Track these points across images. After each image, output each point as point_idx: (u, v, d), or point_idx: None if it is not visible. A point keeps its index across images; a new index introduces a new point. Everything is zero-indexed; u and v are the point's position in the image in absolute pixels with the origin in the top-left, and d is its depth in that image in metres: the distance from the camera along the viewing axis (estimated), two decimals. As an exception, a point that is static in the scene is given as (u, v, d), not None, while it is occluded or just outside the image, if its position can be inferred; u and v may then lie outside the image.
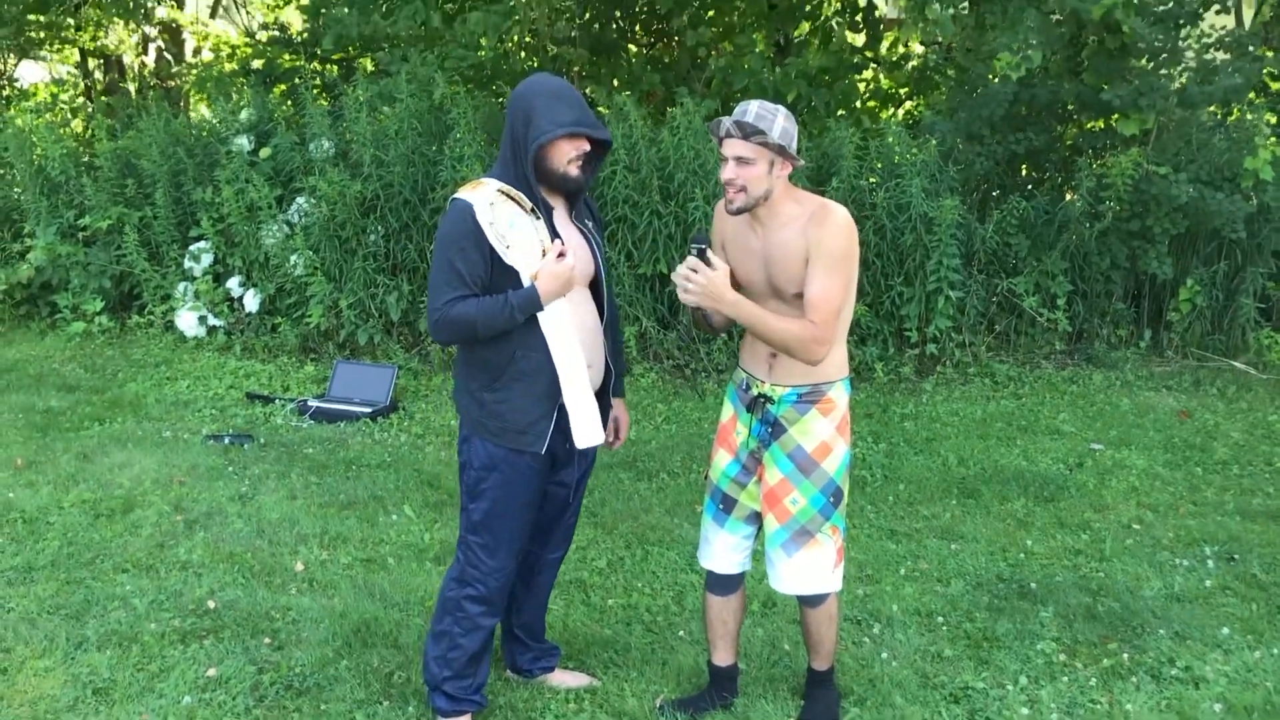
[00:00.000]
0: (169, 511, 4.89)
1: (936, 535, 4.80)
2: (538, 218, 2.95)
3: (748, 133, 2.88)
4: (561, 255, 2.94)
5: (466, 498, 3.13)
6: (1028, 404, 6.52)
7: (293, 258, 7.03)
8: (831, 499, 3.14)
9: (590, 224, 3.17)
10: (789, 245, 2.97)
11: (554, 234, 2.98)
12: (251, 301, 7.26)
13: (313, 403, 6.28)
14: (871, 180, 7.04)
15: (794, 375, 3.07)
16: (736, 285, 3.03)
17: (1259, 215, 7.09)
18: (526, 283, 2.93)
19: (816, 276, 2.93)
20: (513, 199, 2.93)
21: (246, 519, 4.84)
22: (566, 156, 2.95)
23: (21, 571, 4.31)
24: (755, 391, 3.13)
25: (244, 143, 7.60)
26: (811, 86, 8.46)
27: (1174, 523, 4.94)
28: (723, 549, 3.29)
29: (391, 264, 7.09)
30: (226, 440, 5.78)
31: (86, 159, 8.25)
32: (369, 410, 6.19)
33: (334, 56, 9.14)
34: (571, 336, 2.99)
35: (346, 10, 8.84)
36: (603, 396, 3.22)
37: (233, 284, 7.35)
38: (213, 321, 7.34)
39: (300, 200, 7.21)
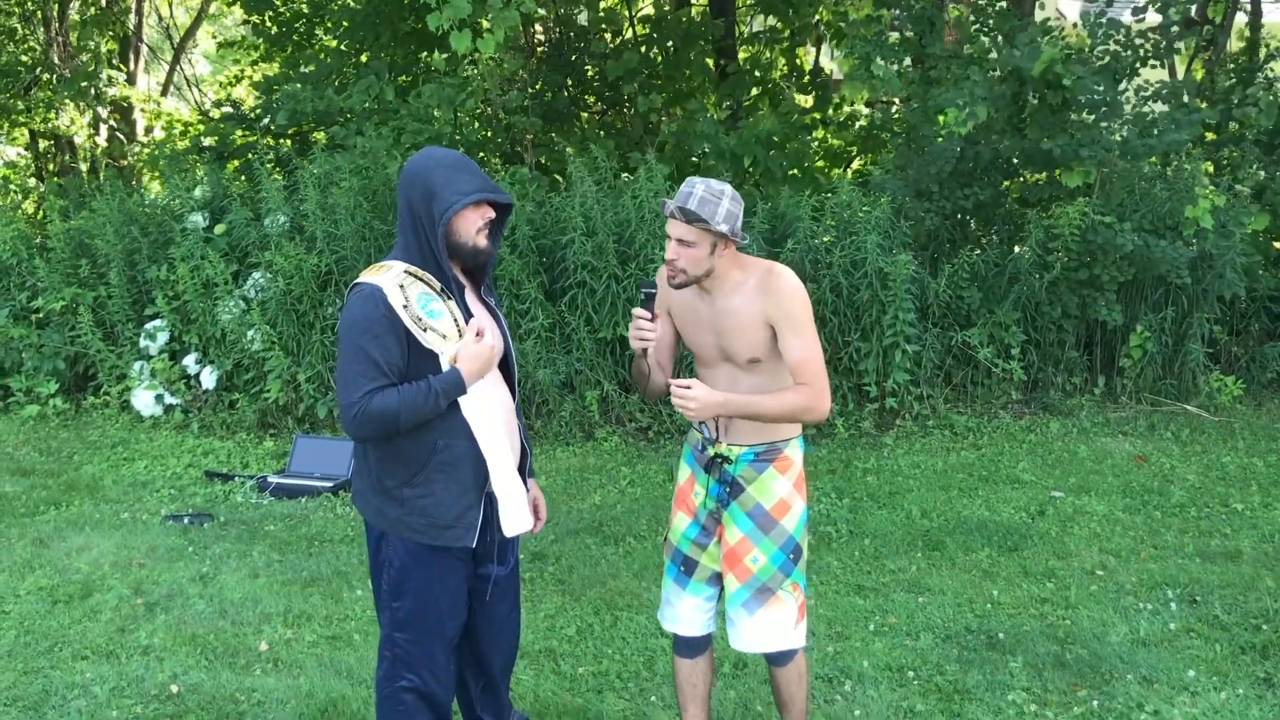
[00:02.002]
0: (129, 595, 4.80)
1: (904, 589, 4.81)
2: (449, 298, 2.83)
3: (690, 218, 2.90)
4: (480, 334, 2.84)
5: (388, 596, 2.95)
6: (987, 454, 6.59)
7: (250, 333, 7.00)
8: (791, 556, 3.15)
9: (492, 300, 3.06)
10: (739, 312, 3.01)
11: (467, 314, 2.87)
12: (208, 378, 7.21)
13: (273, 479, 6.22)
14: (826, 239, 7.14)
15: (750, 434, 3.10)
16: (691, 352, 3.18)
17: (1201, 262, 7.25)
18: (445, 366, 2.79)
19: (792, 343, 2.98)
20: (421, 280, 2.81)
21: (208, 599, 4.77)
22: (474, 226, 2.85)
23: (-24, 663, 4.21)
24: (712, 452, 3.13)
25: (198, 219, 7.61)
26: (765, 149, 8.61)
27: (1136, 567, 4.99)
28: (687, 611, 3.26)
29: (350, 336, 7.07)
30: (186, 520, 5.70)
31: (39, 240, 8.20)
32: (330, 484, 6.14)
33: (288, 131, 9.18)
34: (496, 419, 2.89)
35: (300, 86, 8.92)
36: (521, 478, 3.05)
37: (189, 361, 7.30)
38: (169, 400, 7.27)
39: (256, 275, 7.20)
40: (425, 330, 2.76)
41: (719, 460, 3.12)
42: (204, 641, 4.38)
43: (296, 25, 10.61)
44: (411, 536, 2.88)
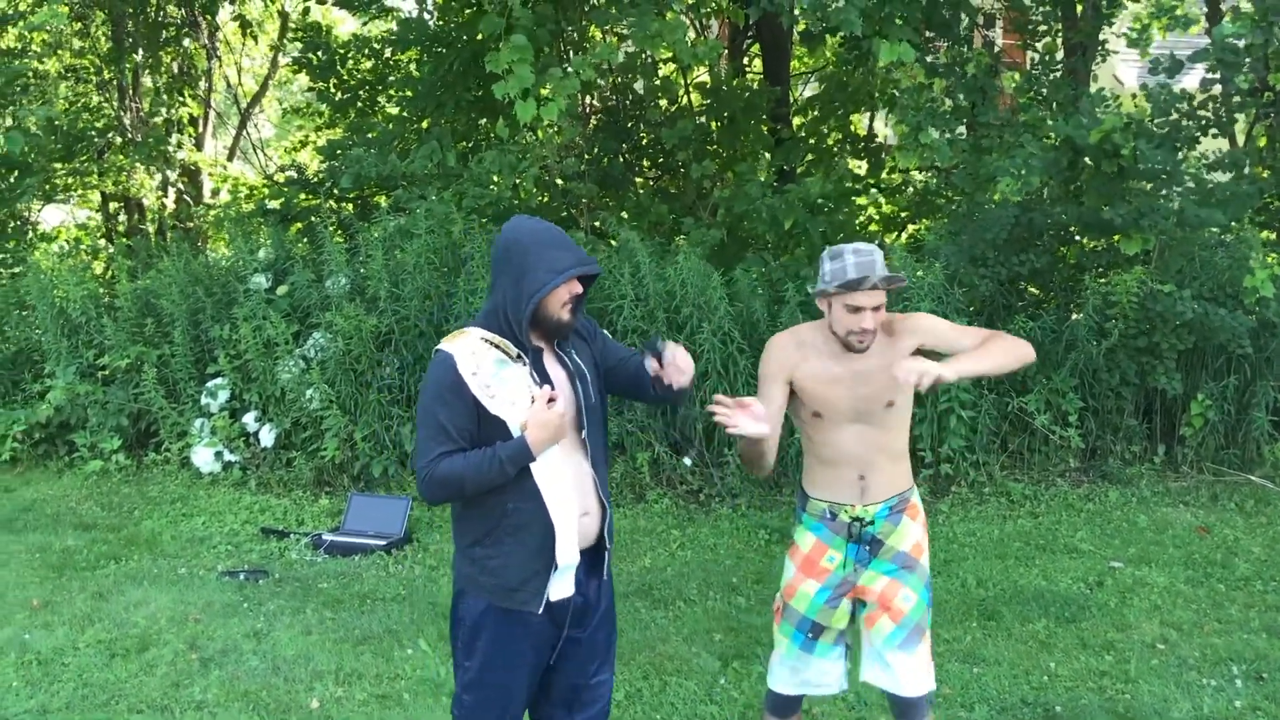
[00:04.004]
0: (184, 650, 4.86)
1: (958, 659, 4.73)
2: (524, 363, 2.84)
3: (892, 283, 3.11)
4: (552, 401, 2.80)
5: (461, 654, 2.97)
6: (1044, 523, 6.49)
7: (308, 392, 7.11)
8: (930, 593, 3.30)
9: (572, 350, 2.99)
10: (882, 366, 3.14)
11: (543, 377, 2.87)
12: (267, 436, 7.32)
13: (327, 536, 6.29)
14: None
15: (885, 490, 3.26)
16: (816, 414, 3.25)
17: (1264, 330, 7.14)
18: (515, 433, 2.78)
19: (950, 334, 3.24)
20: (497, 346, 2.83)
21: (262, 656, 4.82)
22: (561, 302, 2.85)
23: (36, 715, 4.28)
24: (847, 517, 3.25)
25: (261, 281, 7.78)
26: (811, 214, 8.66)
27: (1199, 641, 4.87)
28: (817, 675, 3.34)
29: (405, 396, 7.17)
30: (242, 576, 5.77)
31: (106, 299, 8.43)
32: (383, 543, 6.19)
33: (350, 195, 9.40)
34: (567, 486, 2.86)
35: (363, 151, 9.14)
36: (601, 539, 3.00)
37: (248, 419, 7.43)
38: (228, 457, 7.39)
39: (316, 335, 7.33)
40: (494, 397, 2.78)
41: (857, 523, 3.24)
42: (256, 698, 4.41)
43: (360, 92, 10.91)
44: (482, 595, 2.89)
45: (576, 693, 3.06)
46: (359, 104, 10.95)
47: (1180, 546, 6.07)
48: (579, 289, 2.89)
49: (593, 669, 3.06)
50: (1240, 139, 8.43)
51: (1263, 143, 8.30)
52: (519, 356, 2.83)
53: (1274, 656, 4.67)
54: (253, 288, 7.72)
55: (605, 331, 3.20)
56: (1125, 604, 5.31)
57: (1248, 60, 7.44)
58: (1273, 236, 8.09)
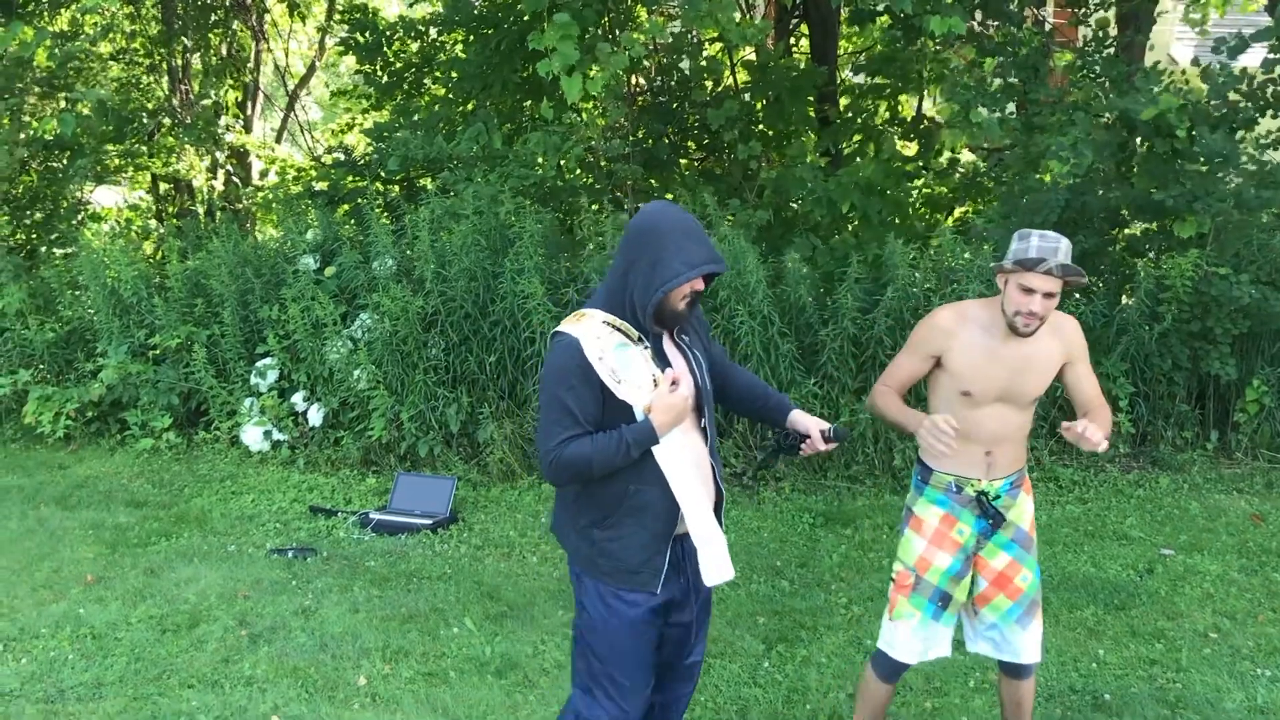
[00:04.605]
0: (234, 626, 4.93)
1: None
2: (646, 347, 2.86)
3: (1068, 274, 3.14)
4: (675, 384, 2.84)
5: (583, 641, 2.99)
6: (1093, 509, 6.41)
7: (356, 372, 7.17)
8: (1040, 570, 3.51)
9: (687, 339, 3.03)
10: (1041, 354, 3.31)
11: (663, 361, 2.89)
12: (315, 416, 7.39)
13: (374, 515, 6.34)
14: (927, 287, 7.06)
15: (1007, 467, 3.41)
16: (965, 393, 3.34)
17: (1323, 315, 6.99)
18: (640, 416, 2.81)
19: (1085, 372, 3.40)
20: (620, 329, 2.84)
21: (309, 633, 4.87)
22: (683, 295, 2.86)
23: (91, 688, 4.35)
24: (973, 490, 3.39)
25: (310, 262, 7.84)
26: (865, 196, 8.58)
27: (1253, 631, 4.79)
28: (942, 640, 3.48)
29: (451, 376, 7.21)
30: (290, 554, 5.84)
31: (157, 280, 8.53)
32: (429, 522, 6.23)
33: (397, 177, 9.44)
34: (689, 468, 2.87)
35: (410, 133, 9.16)
36: (717, 519, 3.03)
37: (297, 399, 7.49)
38: (277, 436, 7.47)
39: (364, 316, 7.38)
40: (620, 382, 2.80)
41: (983, 496, 3.38)
42: (304, 674, 4.46)
43: (406, 75, 10.93)
44: (601, 577, 2.92)
45: (672, 671, 3.12)
46: (405, 86, 10.97)
47: (1233, 534, 5.97)
48: (701, 285, 2.88)
49: (688, 650, 3.12)
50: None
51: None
52: (640, 340, 2.85)
53: (1330, 647, 4.59)
54: (301, 269, 7.78)
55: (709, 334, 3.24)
56: (1176, 592, 5.24)
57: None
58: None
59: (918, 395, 6.80)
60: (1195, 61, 8.23)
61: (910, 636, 3.46)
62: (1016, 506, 3.45)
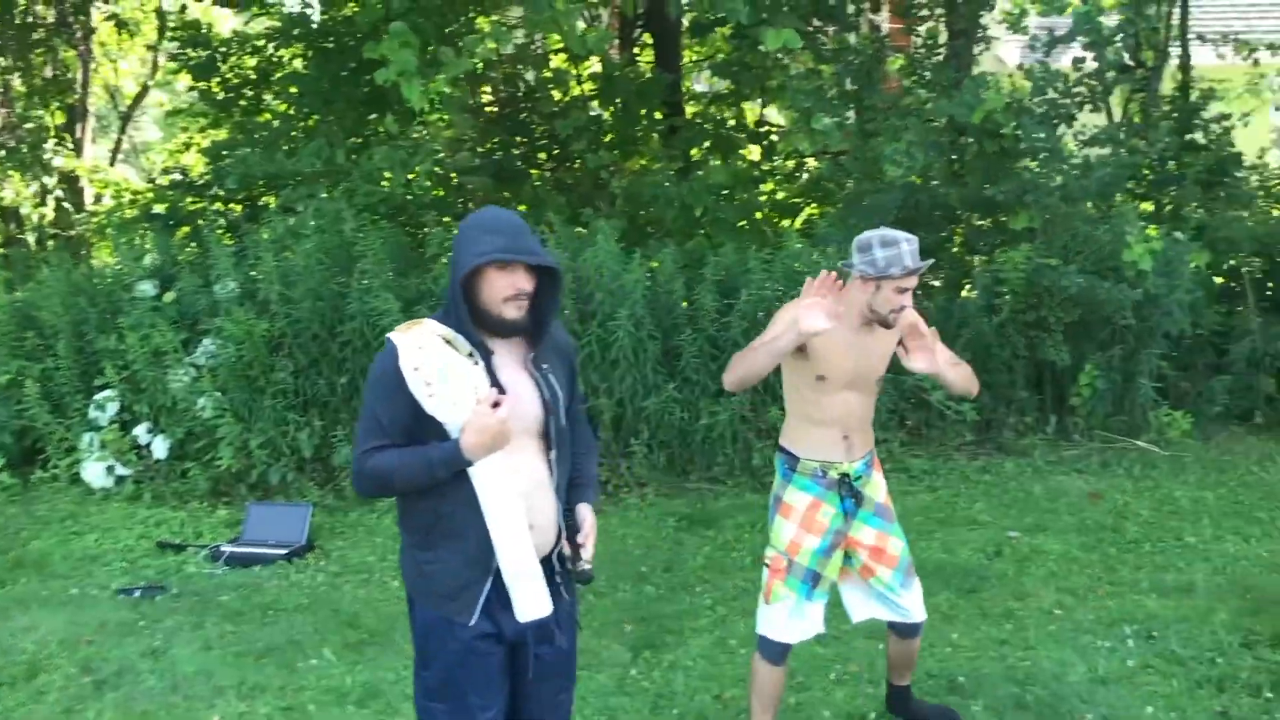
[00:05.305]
0: (76, 674, 4.69)
1: (864, 635, 4.79)
2: (477, 362, 2.67)
3: (922, 270, 3.49)
4: (497, 405, 2.61)
5: (417, 663, 2.85)
6: (943, 496, 6.63)
7: (200, 400, 6.93)
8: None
9: (548, 367, 2.82)
10: (883, 342, 3.63)
11: (498, 381, 2.69)
12: (160, 448, 7.11)
13: (226, 548, 6.13)
14: (778, 289, 7.19)
15: (862, 449, 3.68)
16: (820, 377, 3.56)
17: (1146, 301, 7.38)
18: (455, 434, 2.63)
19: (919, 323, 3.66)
20: (450, 342, 2.67)
21: (160, 675, 4.67)
22: (501, 294, 2.67)
23: (-82, 751, 4.09)
24: (836, 473, 3.62)
25: (148, 288, 7.54)
26: (716, 199, 8.71)
27: (1093, 605, 5.02)
28: (813, 621, 3.65)
29: (302, 400, 7.03)
30: (138, 593, 5.60)
31: (-18, 314, 8.08)
32: (285, 551, 6.05)
33: (238, 196, 9.17)
34: (509, 495, 2.68)
35: (250, 151, 8.91)
36: (550, 559, 2.83)
37: (140, 431, 7.19)
38: (120, 471, 7.16)
39: (207, 342, 7.14)
40: (432, 396, 2.62)
41: (845, 478, 3.62)
42: (155, 719, 4.28)
43: (244, 90, 10.62)
44: (423, 601, 2.80)
45: (541, 710, 2.93)
46: (243, 103, 10.64)
47: (1073, 513, 6.25)
48: (524, 284, 2.69)
49: (555, 686, 2.94)
50: (1116, 114, 8.70)
51: (1137, 117, 8.58)
52: (471, 355, 2.68)
53: (1163, 615, 4.83)
54: (139, 296, 7.47)
55: (578, 376, 3.03)
56: (1023, 572, 5.45)
57: (1119, 37, 7.68)
58: (1151, 208, 8.36)
59: (772, 392, 6.94)
60: (1020, 66, 8.65)
61: (789, 618, 3.62)
62: (872, 483, 3.71)
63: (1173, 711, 4.00)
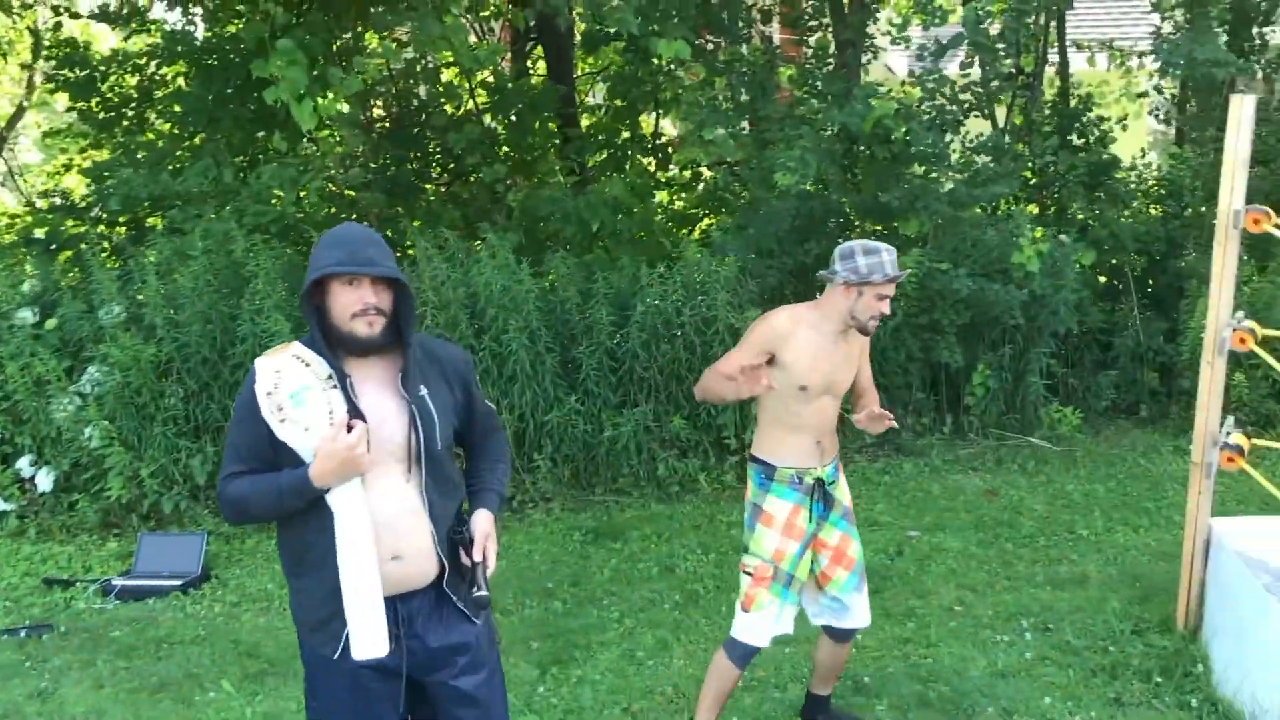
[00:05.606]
0: (-44, 721, 4.49)
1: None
2: (334, 385, 2.59)
3: (900, 279, 3.61)
4: (351, 429, 2.52)
5: (307, 692, 2.79)
6: (846, 500, 6.70)
7: (87, 430, 6.69)
8: None
9: (423, 386, 2.69)
10: (854, 350, 3.74)
11: (356, 406, 2.59)
12: (44, 480, 6.84)
13: (117, 581, 5.93)
14: (676, 299, 7.21)
15: (832, 453, 3.77)
16: (802, 388, 3.63)
17: (1034, 302, 7.58)
18: (310, 460, 2.55)
19: (867, 363, 3.87)
20: (310, 365, 2.60)
21: (48, 717, 4.49)
22: (348, 310, 2.58)
23: None
24: (811, 479, 3.69)
25: (27, 315, 7.24)
26: (613, 213, 8.71)
27: (992, 600, 5.13)
28: (788, 620, 3.74)
29: (193, 426, 6.84)
30: (22, 633, 5.37)
31: None
32: (179, 582, 5.87)
33: (121, 219, 8.88)
34: (360, 525, 2.57)
35: (133, 172, 8.65)
36: (439, 588, 2.72)
37: (23, 464, 6.92)
38: (2, 506, 6.87)
39: (92, 369, 6.89)
40: (283, 421, 2.56)
41: (819, 482, 3.70)
42: (42, 763, 4.11)
43: (125, 110, 10.31)
44: (299, 629, 2.73)
45: None
46: (125, 122, 10.33)
47: (971, 511, 6.38)
48: (370, 298, 2.58)
49: (474, 716, 2.80)
50: (1001, 120, 8.94)
51: (1019, 121, 8.83)
52: (331, 378, 2.60)
53: (1058, 607, 4.96)
54: (18, 323, 7.19)
55: (478, 388, 2.91)
56: (924, 571, 5.55)
57: (1001, 46, 7.90)
58: (1037, 210, 8.61)
59: (675, 403, 6.96)
60: (911, 73, 8.85)
61: (771, 623, 3.71)
62: (840, 485, 3.83)
63: (1069, 701, 4.10)
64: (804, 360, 3.61)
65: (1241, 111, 4.24)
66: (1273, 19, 8.50)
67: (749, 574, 3.72)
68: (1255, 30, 8.54)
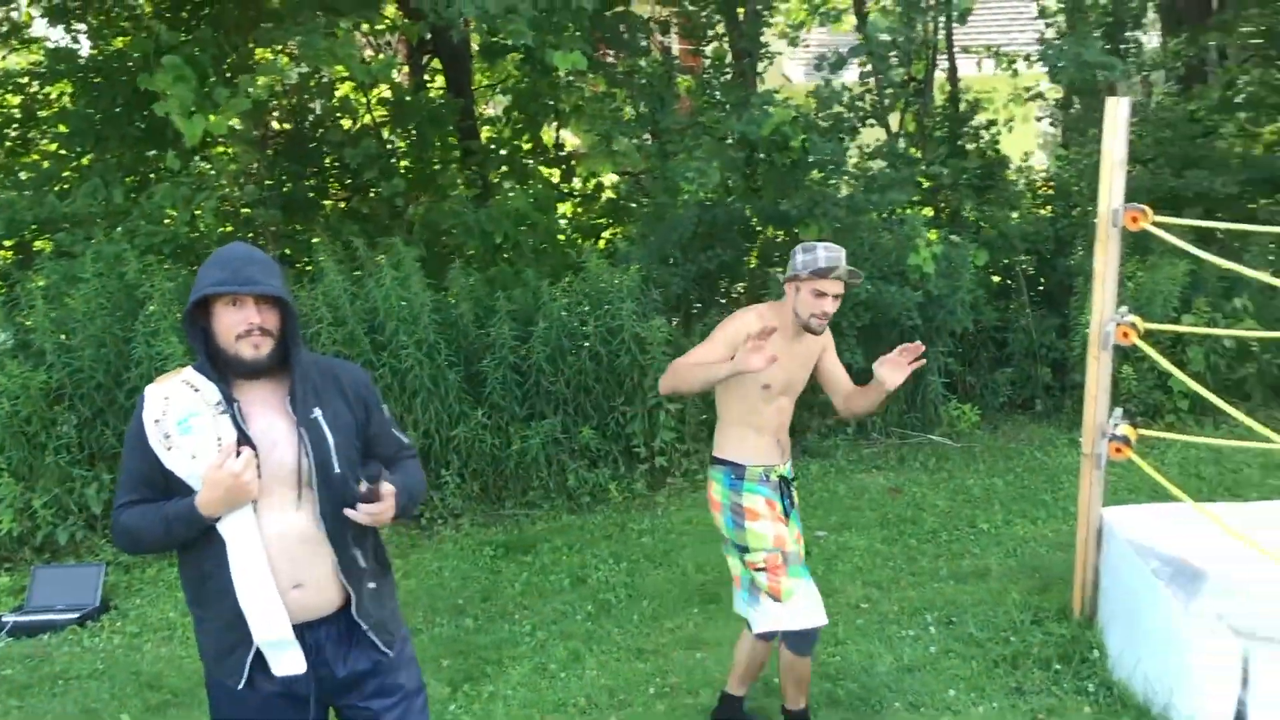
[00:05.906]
0: None
1: (683, 646, 4.87)
2: (223, 411, 2.53)
3: (852, 277, 3.70)
4: (238, 455, 2.47)
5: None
6: (755, 503, 6.77)
7: (-26, 462, 6.46)
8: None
9: (322, 411, 2.62)
10: (812, 351, 3.88)
11: (245, 431, 2.53)
12: (-71, 516, 6.58)
13: (9, 618, 5.72)
14: (580, 310, 7.22)
15: (789, 451, 3.91)
16: (766, 386, 3.73)
17: (930, 303, 7.75)
18: (199, 489, 2.49)
19: (837, 361, 4.04)
20: (199, 390, 2.55)
21: (-64, 763, 4.32)
22: (233, 331, 2.53)
23: None
24: (776, 476, 3.82)
25: (-94, 346, 6.99)
26: (515, 225, 8.69)
27: (897, 596, 5.22)
28: (816, 590, 3.79)
29: (88, 454, 6.65)
30: (-92, 676, 5.16)
31: None
32: (76, 615, 5.69)
33: (6, 243, 8.60)
34: (253, 553, 2.51)
35: (17, 194, 8.39)
36: (348, 615, 2.65)
37: (-95, 499, 6.65)
38: (-116, 545, 6.59)
39: (-23, 399, 6.66)
40: (170, 449, 2.51)
41: (783, 480, 3.84)
42: (-68, 811, 3.96)
43: (8, 131, 9.99)
44: (202, 660, 2.67)
45: None
46: (8, 143, 10.01)
47: (876, 509, 6.50)
48: (255, 318, 2.53)
49: None
50: (895, 127, 9.14)
51: (911, 127, 9.03)
52: (219, 403, 2.54)
53: (961, 600, 5.08)
54: (-104, 355, 6.92)
55: (386, 409, 2.84)
56: (831, 570, 5.63)
57: (894, 54, 8.09)
58: (931, 213, 8.81)
59: (583, 413, 6.97)
60: (820, 84, 9.05)
61: (810, 602, 3.72)
62: (794, 483, 3.97)
63: (973, 691, 4.19)
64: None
65: (1117, 113, 4.39)
66: (1143, 22, 8.83)
67: (762, 569, 3.75)
68: (1129, 34, 8.87)
